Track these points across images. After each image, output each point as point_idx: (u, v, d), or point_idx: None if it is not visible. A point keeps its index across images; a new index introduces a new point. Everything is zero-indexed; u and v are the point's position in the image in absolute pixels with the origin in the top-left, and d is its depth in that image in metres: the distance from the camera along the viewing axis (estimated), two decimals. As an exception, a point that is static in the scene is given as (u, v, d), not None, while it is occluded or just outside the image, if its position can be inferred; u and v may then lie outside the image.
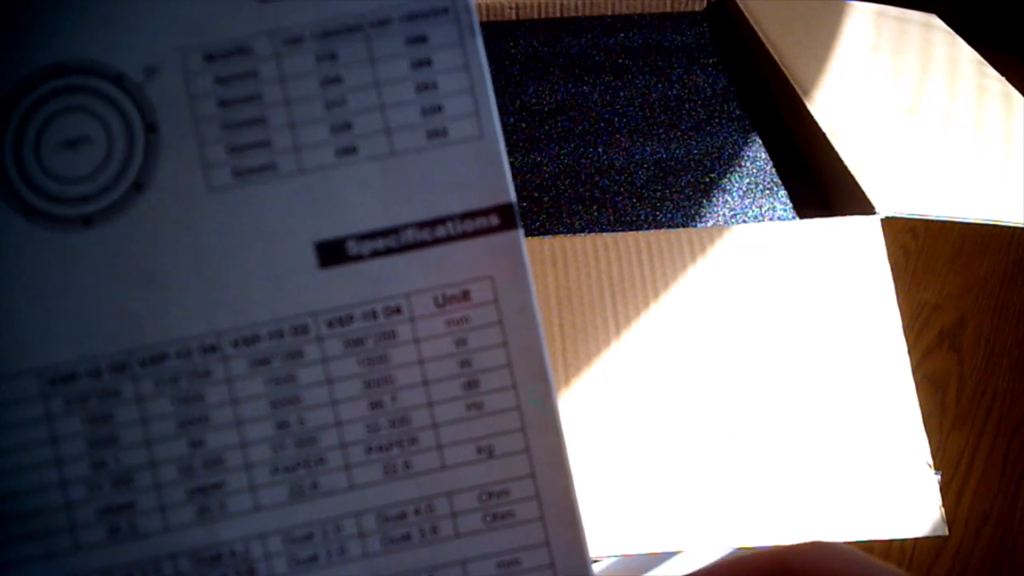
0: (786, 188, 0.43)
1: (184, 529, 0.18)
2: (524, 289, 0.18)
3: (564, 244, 0.34)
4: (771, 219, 0.42)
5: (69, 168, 0.18)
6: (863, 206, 0.37)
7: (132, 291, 0.18)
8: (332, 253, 0.18)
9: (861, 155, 0.40)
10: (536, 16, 0.55)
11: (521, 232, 0.18)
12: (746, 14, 0.52)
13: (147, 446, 0.18)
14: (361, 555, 0.18)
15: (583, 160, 0.44)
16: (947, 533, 0.30)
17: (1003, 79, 0.48)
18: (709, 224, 0.41)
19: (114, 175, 0.18)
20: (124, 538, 0.18)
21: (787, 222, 0.39)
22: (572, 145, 0.45)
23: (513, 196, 0.18)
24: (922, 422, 0.32)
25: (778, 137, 0.46)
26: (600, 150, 0.45)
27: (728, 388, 0.32)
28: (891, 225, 0.36)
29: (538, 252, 0.33)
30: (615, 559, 0.39)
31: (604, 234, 0.34)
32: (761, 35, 0.50)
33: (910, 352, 0.33)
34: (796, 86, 0.45)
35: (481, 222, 0.18)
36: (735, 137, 0.46)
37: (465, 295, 0.18)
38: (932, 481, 0.31)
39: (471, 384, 0.18)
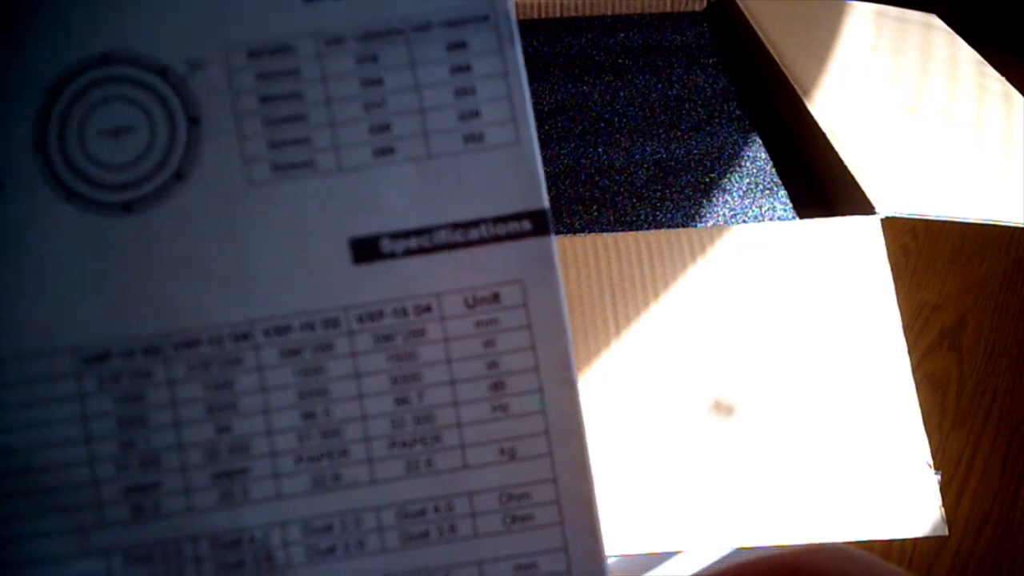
0: (786, 188, 0.43)
1: (206, 512, 0.18)
2: (554, 294, 0.18)
3: (564, 244, 0.34)
4: (771, 219, 0.42)
5: (111, 155, 0.18)
6: (863, 206, 0.37)
7: (168, 277, 0.18)
8: (366, 250, 0.18)
9: (861, 155, 0.40)
10: (536, 16, 0.55)
11: (553, 238, 0.19)
12: (746, 14, 0.52)
13: (175, 428, 0.18)
14: (379, 550, 0.18)
15: (583, 160, 0.44)
16: (947, 533, 0.30)
17: (1003, 79, 0.48)
18: (709, 224, 0.41)
19: (156, 164, 0.18)
20: (148, 517, 0.18)
21: (787, 222, 0.39)
22: (572, 145, 0.45)
23: (547, 203, 0.19)
24: (922, 422, 0.32)
25: (778, 137, 0.46)
26: (600, 150, 0.45)
27: (728, 388, 0.32)
28: (891, 225, 0.36)
29: (538, 252, 0.33)
30: (615, 559, 0.39)
31: (604, 234, 0.34)
32: (761, 35, 0.50)
33: (910, 352, 0.33)
34: (796, 86, 0.45)
35: (514, 226, 0.18)
36: (735, 137, 0.46)
37: (495, 297, 0.18)
38: (932, 481, 0.31)
39: (497, 385, 0.18)
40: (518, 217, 0.18)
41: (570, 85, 0.49)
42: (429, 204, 0.18)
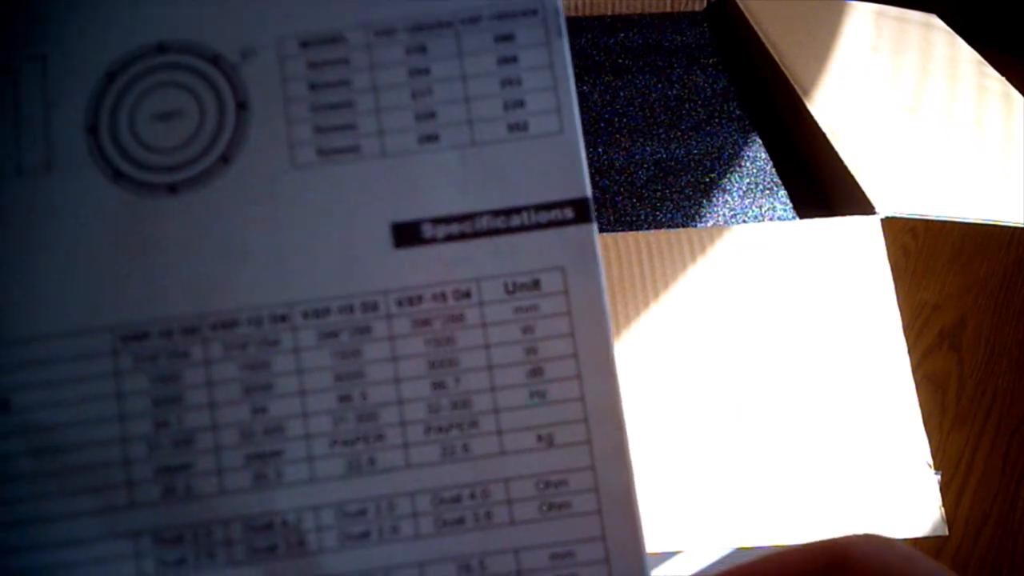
0: (786, 188, 0.43)
1: (239, 494, 0.18)
2: (594, 282, 0.18)
3: (564, 244, 0.34)
4: (771, 219, 0.42)
5: (160, 139, 0.19)
6: (863, 206, 0.37)
7: (210, 258, 0.18)
8: (407, 234, 0.18)
9: (861, 155, 0.40)
10: (536, 16, 0.55)
11: (595, 226, 0.19)
12: (746, 14, 0.52)
13: (210, 409, 0.18)
14: (413, 535, 0.18)
15: (583, 160, 0.44)
16: (947, 533, 0.30)
17: (1003, 79, 0.48)
18: (709, 224, 0.41)
19: (203, 147, 0.19)
20: (179, 499, 0.18)
21: (787, 222, 0.39)
22: (572, 145, 0.45)
23: (589, 191, 0.19)
24: (922, 422, 0.32)
25: (778, 137, 0.46)
26: (600, 150, 0.45)
27: (728, 388, 0.32)
28: (891, 225, 0.36)
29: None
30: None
31: (604, 234, 0.34)
32: (761, 35, 0.50)
33: (910, 352, 0.33)
34: (796, 86, 0.45)
35: (556, 214, 0.19)
36: (735, 137, 0.46)
37: (535, 284, 0.18)
38: (932, 481, 0.31)
39: (535, 372, 0.18)
40: (560, 205, 0.19)
41: (570, 85, 0.49)
42: (471, 191, 0.19)
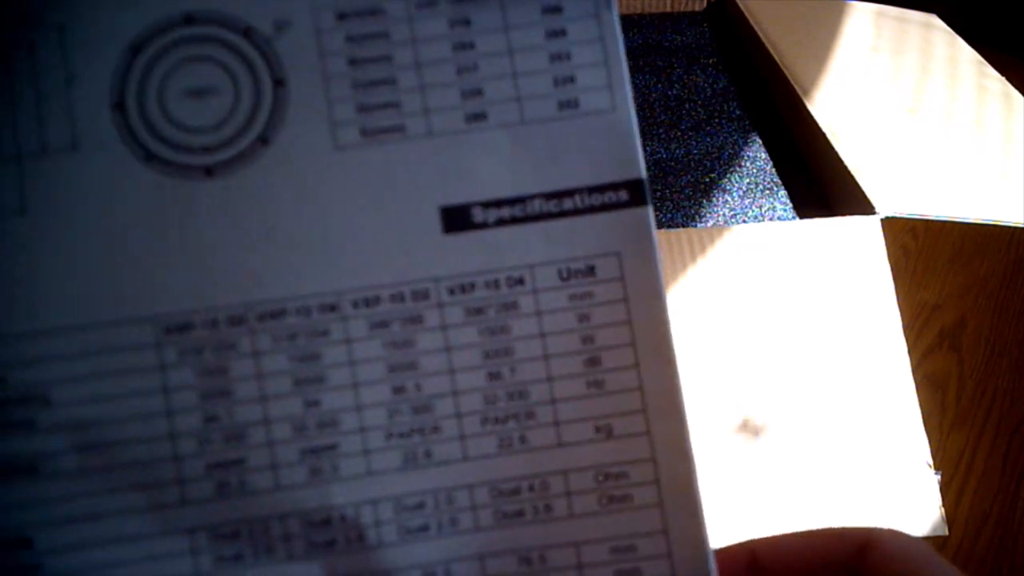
0: (786, 188, 0.43)
1: (295, 489, 0.17)
2: (651, 267, 0.18)
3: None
4: (771, 219, 0.42)
5: (193, 117, 0.18)
6: (863, 206, 0.37)
7: (253, 244, 0.18)
8: (457, 219, 0.18)
9: (861, 155, 0.40)
10: (536, 16, 0.55)
11: (651, 209, 0.18)
12: (746, 14, 0.52)
13: (261, 402, 0.17)
14: (472, 528, 0.17)
15: (583, 160, 0.44)
16: (947, 533, 0.30)
17: (1003, 79, 0.48)
18: (709, 224, 0.41)
19: (239, 127, 0.18)
20: (233, 495, 0.17)
21: (787, 222, 0.39)
22: (572, 145, 0.45)
23: (643, 172, 0.18)
24: (922, 422, 0.32)
25: (778, 137, 0.46)
26: (600, 150, 0.45)
27: (728, 388, 0.32)
28: (891, 225, 0.36)
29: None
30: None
31: (604, 234, 0.34)
32: (761, 35, 0.50)
33: (910, 352, 0.33)
34: (796, 86, 0.45)
35: (610, 196, 0.18)
36: (735, 137, 0.46)
37: (590, 270, 0.18)
38: (932, 481, 0.31)
39: (592, 361, 0.18)
40: (614, 187, 0.18)
41: (570, 85, 0.49)
42: (522, 172, 0.18)
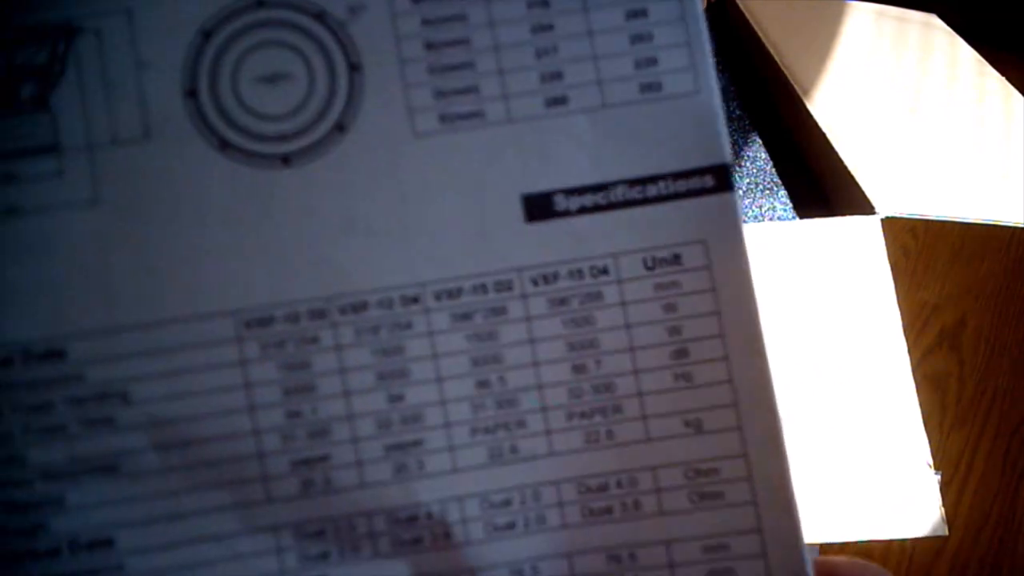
0: (786, 188, 0.43)
1: (381, 486, 0.17)
2: (739, 255, 0.17)
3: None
4: (771, 219, 0.42)
5: (267, 104, 0.17)
6: (863, 206, 0.37)
7: (332, 235, 0.17)
8: (539, 207, 0.17)
9: (861, 155, 0.40)
10: (536, 16, 0.55)
11: (737, 195, 0.18)
12: (746, 14, 0.52)
13: (345, 397, 0.17)
14: (560, 525, 0.17)
15: (583, 160, 0.44)
16: (947, 533, 0.30)
17: (1003, 79, 0.48)
18: (709, 224, 0.41)
19: (316, 114, 0.17)
20: (318, 492, 0.17)
21: (787, 222, 0.39)
22: (572, 145, 0.45)
23: (729, 156, 0.17)
24: (922, 422, 0.32)
25: (778, 137, 0.46)
26: (600, 150, 0.45)
27: (728, 388, 0.32)
28: (891, 225, 0.36)
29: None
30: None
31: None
32: (761, 35, 0.50)
33: (910, 352, 0.33)
34: (796, 86, 0.45)
35: (695, 182, 0.17)
36: (735, 137, 0.46)
37: (676, 258, 0.17)
38: (932, 481, 0.31)
39: (680, 353, 0.17)
40: (699, 172, 0.17)
41: (570, 85, 0.49)
42: (604, 158, 0.17)
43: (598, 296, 0.17)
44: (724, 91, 0.49)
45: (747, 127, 0.47)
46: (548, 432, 0.17)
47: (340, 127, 0.17)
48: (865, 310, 0.34)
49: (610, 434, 0.17)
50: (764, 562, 0.17)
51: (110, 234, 0.17)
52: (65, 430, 0.16)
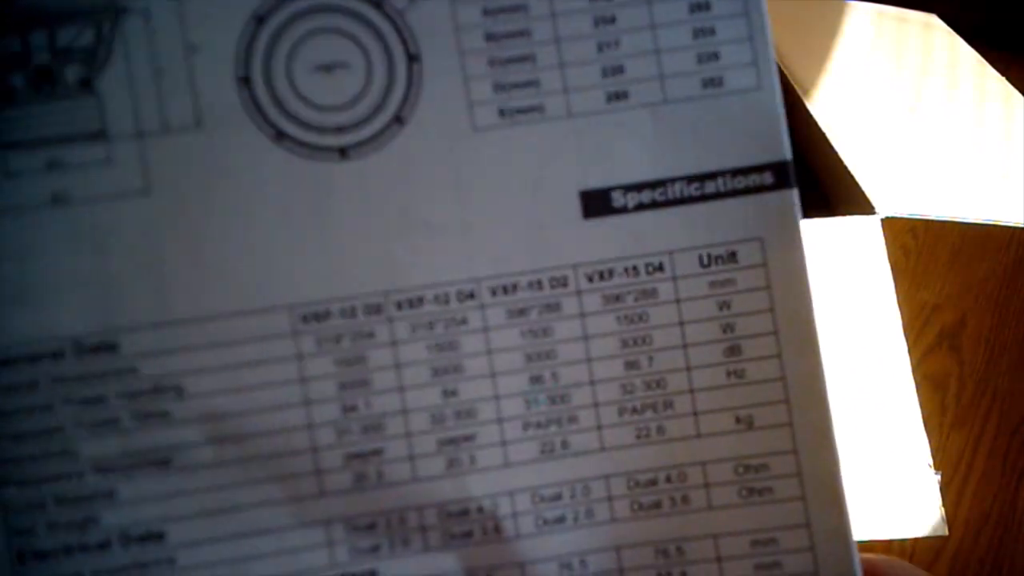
0: (786, 188, 0.43)
1: (433, 480, 0.17)
2: (796, 253, 0.17)
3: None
4: (771, 219, 0.42)
5: (324, 94, 0.17)
6: (863, 206, 0.37)
7: (389, 230, 0.17)
8: (597, 203, 0.17)
9: (861, 155, 0.40)
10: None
11: (796, 192, 0.18)
12: (746, 14, 0.52)
13: (399, 392, 0.17)
14: (609, 519, 0.17)
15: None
16: (947, 533, 0.30)
17: (1003, 79, 0.48)
18: (709, 224, 0.41)
19: (374, 106, 0.17)
20: (371, 485, 0.17)
21: (787, 222, 0.39)
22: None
23: (789, 153, 0.17)
24: (922, 422, 0.32)
25: (778, 137, 0.46)
26: (600, 150, 0.45)
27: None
28: (891, 225, 0.36)
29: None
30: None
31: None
32: (761, 35, 0.50)
33: (910, 352, 0.33)
34: (796, 86, 0.45)
35: (754, 179, 0.17)
36: (735, 137, 0.46)
37: (732, 256, 0.17)
38: (932, 481, 0.31)
39: (733, 350, 0.17)
40: (759, 169, 0.17)
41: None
42: (663, 154, 0.17)
43: (653, 293, 0.17)
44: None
45: (747, 127, 0.47)
46: (599, 427, 0.17)
47: (399, 119, 0.17)
48: (865, 310, 0.34)
49: (660, 429, 0.17)
50: (812, 556, 0.17)
51: (162, 225, 0.17)
52: (118, 423, 0.16)
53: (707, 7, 0.17)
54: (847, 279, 0.34)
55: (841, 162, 0.39)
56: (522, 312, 0.17)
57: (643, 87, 0.17)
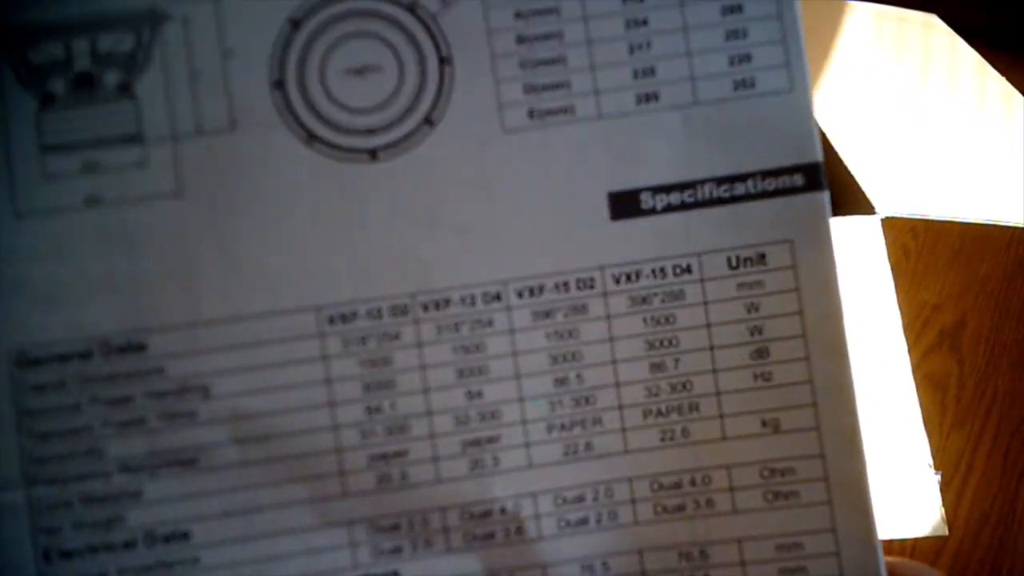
0: (786, 188, 0.43)
1: (456, 482, 0.17)
2: (826, 255, 0.17)
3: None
4: (771, 219, 0.42)
5: (356, 97, 0.17)
6: (863, 206, 0.37)
7: (417, 231, 0.17)
8: (625, 205, 0.17)
9: (861, 155, 0.40)
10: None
11: (827, 195, 0.17)
12: (746, 14, 0.52)
13: (424, 394, 0.17)
14: (632, 522, 0.17)
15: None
16: (947, 533, 0.30)
17: (1003, 79, 0.48)
18: (709, 224, 0.41)
19: (404, 108, 0.17)
20: (394, 487, 0.17)
21: (787, 222, 0.39)
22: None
23: (821, 155, 0.17)
24: (922, 422, 0.32)
25: (778, 137, 0.46)
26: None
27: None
28: (891, 225, 0.36)
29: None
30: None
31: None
32: (761, 35, 0.50)
33: (910, 352, 0.33)
34: (796, 86, 0.45)
35: (784, 181, 0.17)
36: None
37: (761, 258, 0.17)
38: (932, 481, 0.31)
39: (760, 353, 0.17)
40: (790, 171, 0.17)
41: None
42: (693, 156, 0.17)
43: (680, 295, 0.17)
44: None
45: (747, 127, 0.47)
46: (623, 430, 0.17)
47: (429, 121, 0.17)
48: (865, 310, 0.34)
49: (686, 432, 0.17)
50: (837, 560, 0.17)
51: (193, 227, 0.17)
52: (144, 423, 0.16)
53: (740, 9, 0.17)
54: (847, 279, 0.34)
55: (841, 162, 0.39)
56: (548, 314, 0.17)
57: (674, 89, 0.17)
